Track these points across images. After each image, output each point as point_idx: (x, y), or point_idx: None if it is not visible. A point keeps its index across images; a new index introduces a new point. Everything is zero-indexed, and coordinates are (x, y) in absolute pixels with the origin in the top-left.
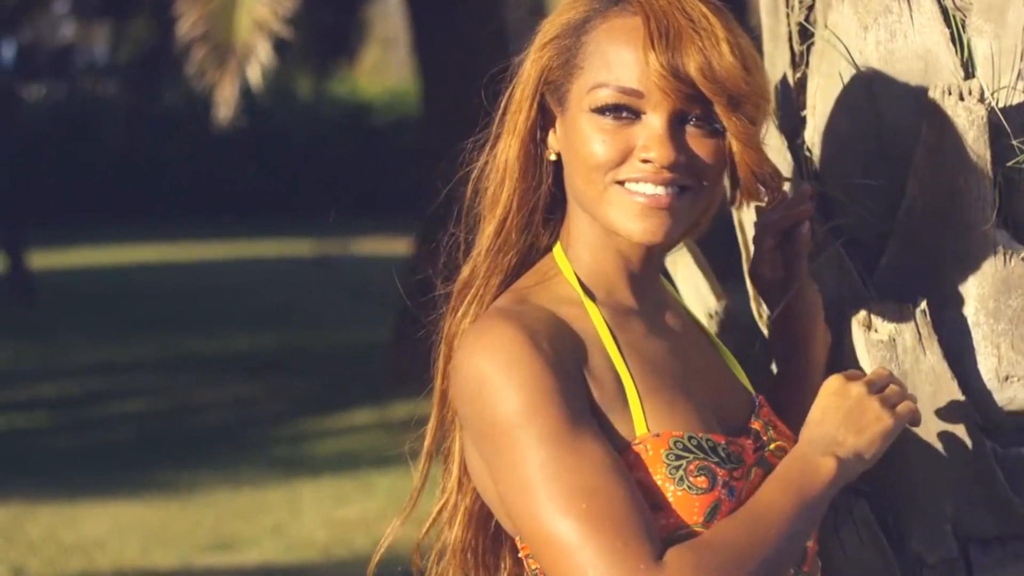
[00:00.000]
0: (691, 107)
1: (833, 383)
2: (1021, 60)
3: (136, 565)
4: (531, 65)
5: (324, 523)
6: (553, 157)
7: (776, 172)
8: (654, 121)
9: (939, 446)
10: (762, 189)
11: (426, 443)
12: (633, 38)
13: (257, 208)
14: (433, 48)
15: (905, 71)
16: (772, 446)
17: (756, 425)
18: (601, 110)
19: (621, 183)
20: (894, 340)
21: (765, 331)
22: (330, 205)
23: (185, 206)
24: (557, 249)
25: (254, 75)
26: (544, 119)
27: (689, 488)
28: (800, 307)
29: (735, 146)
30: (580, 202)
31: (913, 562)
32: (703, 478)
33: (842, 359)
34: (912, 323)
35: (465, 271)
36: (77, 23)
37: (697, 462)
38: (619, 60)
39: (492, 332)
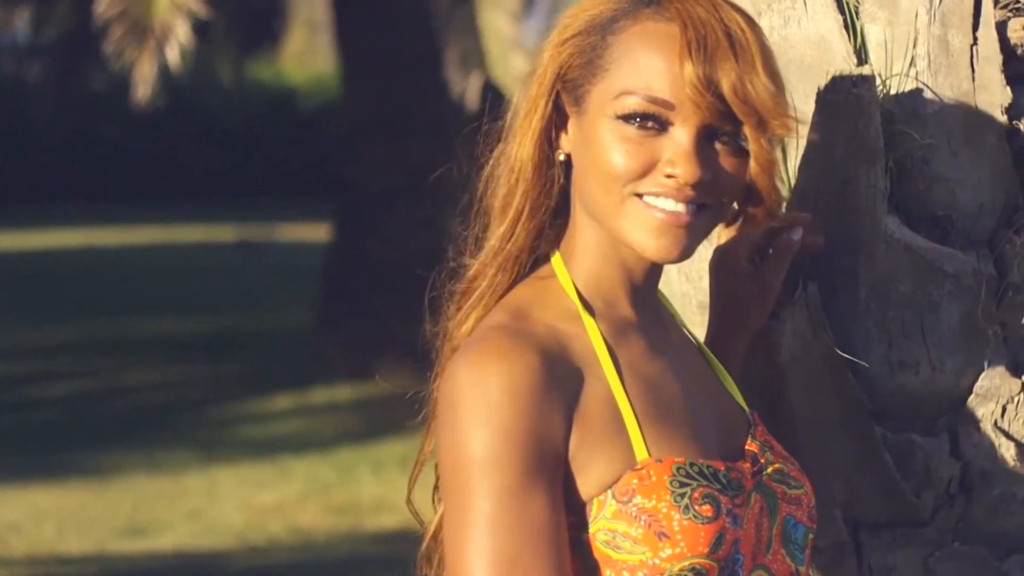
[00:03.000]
0: (720, 123)
1: None
2: (914, 47)
3: (50, 550)
4: (549, 61)
5: (241, 508)
6: (562, 158)
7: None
8: (681, 135)
9: (830, 431)
10: (769, 214)
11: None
12: (667, 46)
13: (181, 192)
14: (355, 33)
15: (799, 57)
16: (770, 469)
17: (753, 447)
18: (627, 118)
19: (640, 196)
20: (786, 324)
21: None
22: (255, 190)
23: (109, 189)
24: (556, 258)
25: (173, 55)
26: (558, 117)
27: (695, 517)
28: (752, 305)
29: (754, 169)
30: (592, 210)
31: None
32: (708, 506)
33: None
34: (804, 308)
35: (471, 271)
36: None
37: (701, 489)
38: (650, 67)
39: (493, 360)
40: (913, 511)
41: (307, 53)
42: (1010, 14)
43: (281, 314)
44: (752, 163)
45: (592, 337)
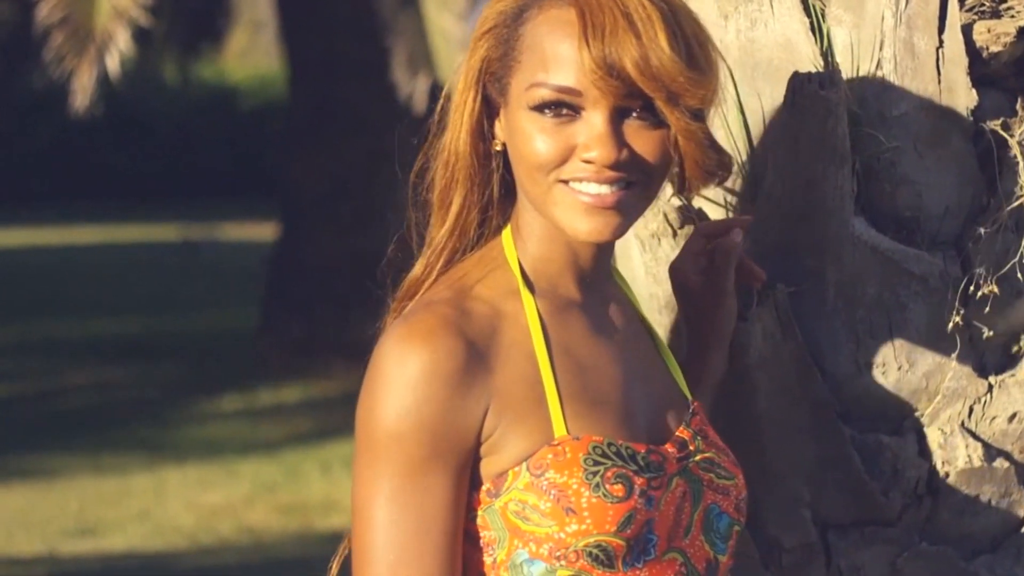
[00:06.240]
0: (632, 102)
1: None
2: (880, 50)
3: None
4: (471, 54)
5: (189, 509)
6: (499, 147)
7: (724, 159)
8: (594, 119)
9: (797, 431)
10: (709, 178)
11: None
12: (569, 33)
13: (123, 192)
14: (300, 34)
15: (765, 60)
16: (698, 457)
17: (684, 434)
18: (539, 108)
19: (565, 182)
20: (754, 326)
21: None
22: (197, 189)
23: (50, 190)
24: (506, 234)
25: (113, 63)
26: (489, 108)
27: (605, 496)
28: (715, 315)
29: (679, 139)
30: (527, 198)
31: (772, 546)
32: (619, 486)
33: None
34: (772, 309)
35: (417, 269)
36: None
37: (615, 469)
38: (555, 57)
39: (420, 340)
40: (881, 511)
41: (250, 52)
42: (975, 17)
43: (225, 314)
44: (674, 134)
45: (529, 316)
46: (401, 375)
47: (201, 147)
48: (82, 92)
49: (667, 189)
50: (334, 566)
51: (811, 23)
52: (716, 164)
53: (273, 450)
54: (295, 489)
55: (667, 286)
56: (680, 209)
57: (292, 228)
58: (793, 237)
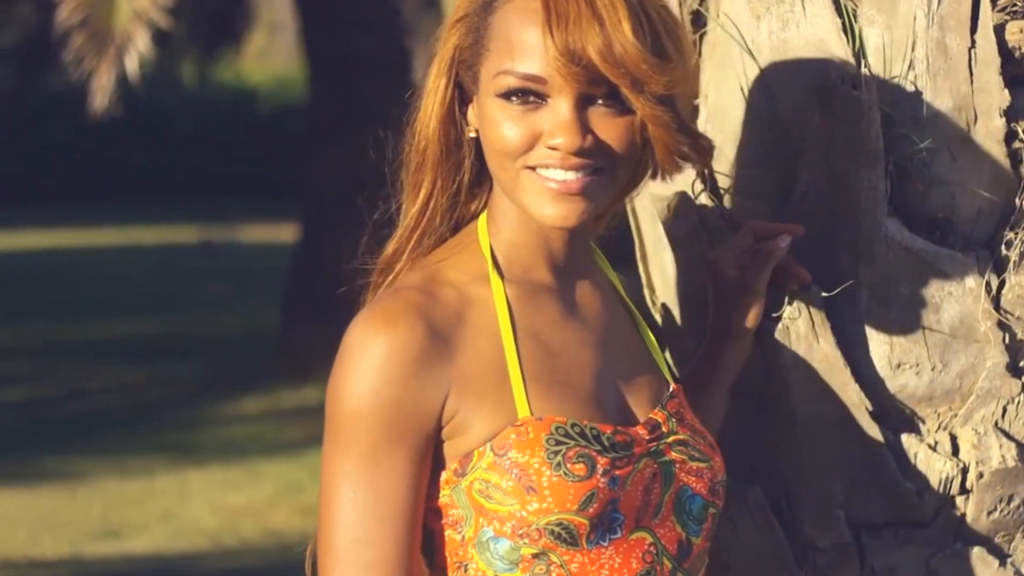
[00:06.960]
0: (596, 89)
1: None
2: (912, 50)
3: (25, 554)
4: (444, 42)
5: (213, 510)
6: (473, 134)
7: (701, 143)
8: (560, 106)
9: (831, 432)
10: (682, 162)
11: None
12: (534, 22)
13: (142, 193)
14: (321, 35)
15: (797, 61)
16: (671, 439)
17: (658, 416)
18: (506, 95)
19: (532, 168)
20: (787, 327)
21: (657, 317)
22: (216, 191)
23: (68, 191)
24: (482, 219)
25: (132, 64)
26: (462, 96)
27: (566, 475)
28: (739, 311)
29: (647, 125)
30: (497, 183)
31: (806, 546)
32: (581, 465)
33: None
34: (805, 310)
35: (389, 249)
36: None
37: (577, 449)
38: (521, 45)
39: (382, 324)
40: (915, 512)
41: (268, 54)
42: (1008, 17)
43: (246, 315)
44: (641, 120)
45: (496, 300)
46: (363, 358)
47: (220, 148)
48: (101, 93)
49: (698, 190)
50: (310, 549)
51: (843, 24)
52: (689, 147)
53: (296, 451)
54: (319, 490)
55: (698, 286)
56: (712, 210)
57: (312, 229)
58: (826, 238)
